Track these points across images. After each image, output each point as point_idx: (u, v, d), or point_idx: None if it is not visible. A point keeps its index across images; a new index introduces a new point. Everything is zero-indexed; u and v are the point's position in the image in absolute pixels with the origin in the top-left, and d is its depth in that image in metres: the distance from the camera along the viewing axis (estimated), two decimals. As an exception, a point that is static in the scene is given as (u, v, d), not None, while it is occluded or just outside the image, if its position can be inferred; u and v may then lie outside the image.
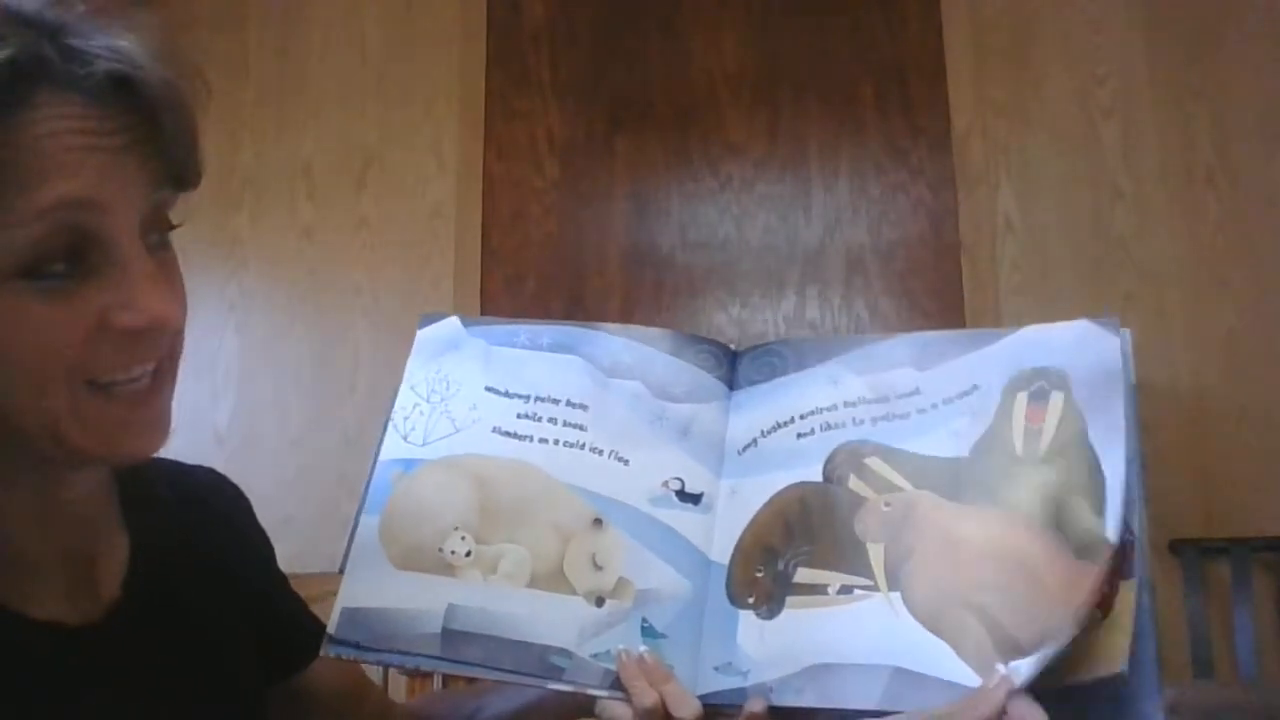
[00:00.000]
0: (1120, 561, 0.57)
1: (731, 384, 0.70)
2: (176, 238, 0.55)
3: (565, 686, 0.64)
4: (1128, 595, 0.56)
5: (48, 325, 0.48)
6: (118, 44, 0.50)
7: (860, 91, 2.29)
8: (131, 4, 0.52)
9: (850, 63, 2.30)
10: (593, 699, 0.65)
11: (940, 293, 2.19)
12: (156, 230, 0.53)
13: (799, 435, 0.67)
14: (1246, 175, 2.04)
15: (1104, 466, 0.58)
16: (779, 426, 0.67)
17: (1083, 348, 0.62)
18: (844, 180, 2.27)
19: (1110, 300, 2.07)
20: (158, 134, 0.52)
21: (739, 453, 0.68)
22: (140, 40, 0.51)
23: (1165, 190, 2.08)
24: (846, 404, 0.67)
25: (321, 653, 0.67)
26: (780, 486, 0.66)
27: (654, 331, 0.72)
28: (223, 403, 2.37)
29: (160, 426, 0.54)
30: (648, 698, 0.60)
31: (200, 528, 0.69)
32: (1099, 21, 2.16)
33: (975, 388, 0.64)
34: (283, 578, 0.78)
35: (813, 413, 0.67)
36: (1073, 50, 2.17)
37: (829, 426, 0.67)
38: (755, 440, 0.68)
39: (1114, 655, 0.55)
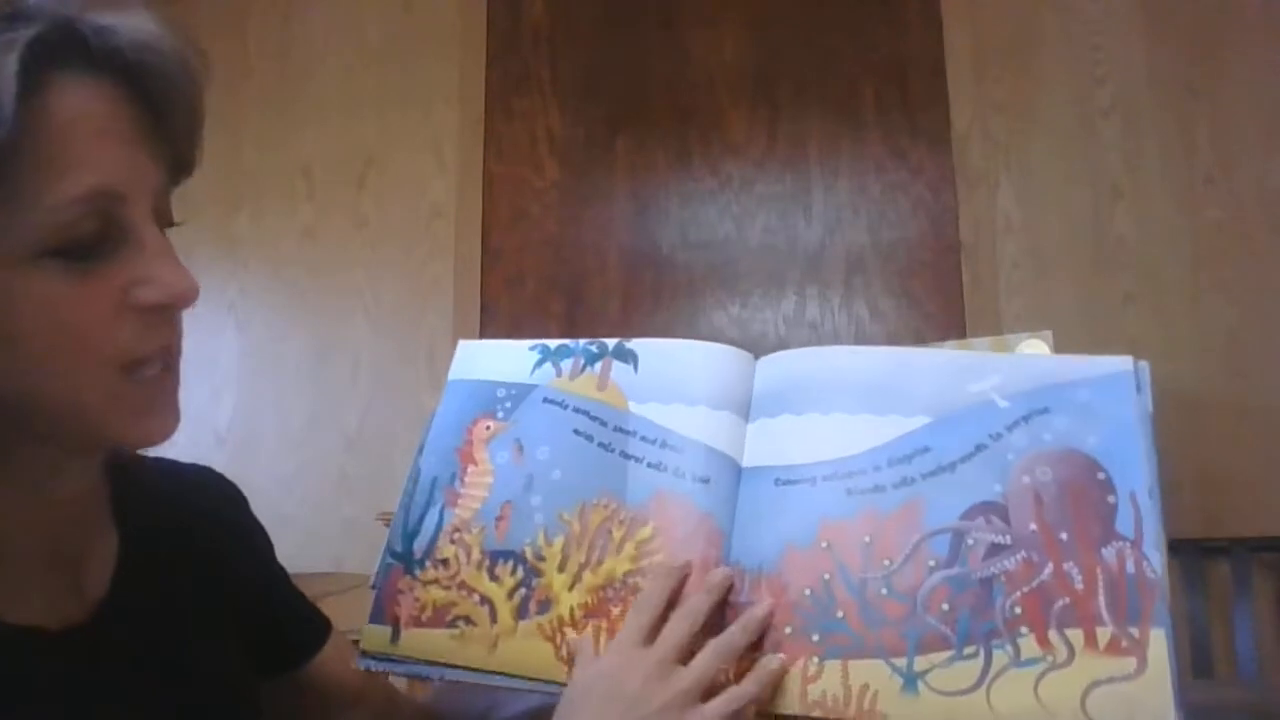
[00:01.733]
0: (1144, 604, 0.57)
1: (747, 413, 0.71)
2: (176, 238, 0.55)
3: None
4: (1160, 646, 0.56)
5: (74, 306, 0.49)
6: (141, 25, 0.51)
7: (860, 91, 2.29)
8: None
9: (850, 63, 2.30)
10: None
11: (940, 293, 2.19)
12: (158, 220, 0.54)
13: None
14: (1246, 175, 2.04)
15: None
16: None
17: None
18: (844, 180, 2.27)
19: (1110, 300, 2.07)
20: (168, 119, 0.53)
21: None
22: (157, 23, 0.52)
23: (1165, 190, 2.08)
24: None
25: (354, 665, 0.70)
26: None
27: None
28: (223, 403, 2.37)
29: (176, 409, 0.55)
30: None
31: (194, 526, 0.69)
32: (1099, 21, 2.16)
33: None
34: (283, 572, 0.78)
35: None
36: (1073, 50, 2.17)
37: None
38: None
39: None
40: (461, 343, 0.82)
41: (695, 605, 0.61)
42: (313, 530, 2.19)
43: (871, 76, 2.29)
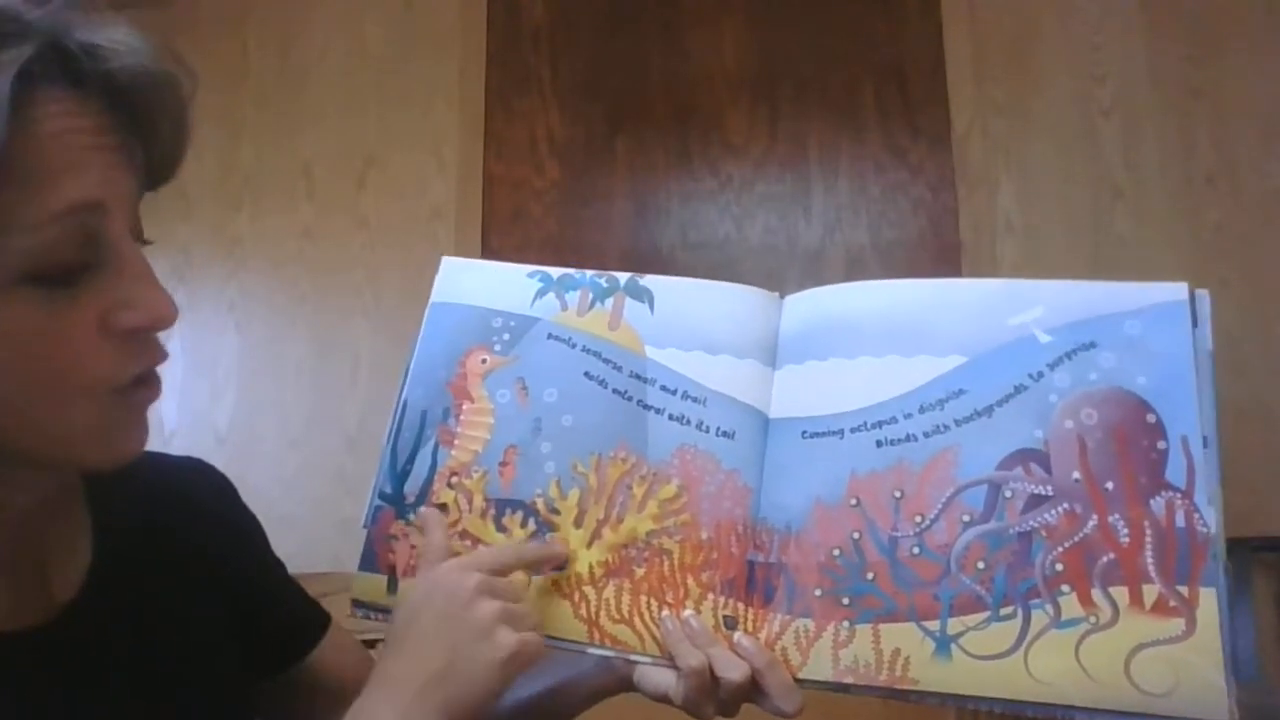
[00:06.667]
0: (1194, 561, 0.53)
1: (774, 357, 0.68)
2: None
3: (606, 652, 0.63)
4: (1211, 607, 0.52)
5: (53, 336, 0.47)
6: (127, 41, 0.50)
7: (860, 91, 2.29)
8: (125, 4, 0.52)
9: (850, 63, 2.30)
10: (632, 666, 0.64)
11: (940, 293, 2.18)
12: (135, 235, 0.53)
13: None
14: (1246, 175, 2.04)
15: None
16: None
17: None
18: (844, 180, 2.27)
19: (1110, 300, 2.07)
20: (151, 133, 0.52)
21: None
22: (145, 38, 0.51)
23: (1165, 190, 2.08)
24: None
25: (347, 614, 0.69)
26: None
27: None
28: (223, 403, 2.37)
29: (145, 426, 0.54)
30: (694, 659, 0.59)
31: (181, 521, 0.68)
32: (1099, 21, 2.16)
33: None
34: (279, 564, 0.77)
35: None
36: (1073, 50, 2.17)
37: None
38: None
39: (1208, 694, 0.50)
40: (445, 260, 0.78)
41: (523, 550, 0.64)
42: (313, 530, 2.18)
43: (871, 76, 2.29)
